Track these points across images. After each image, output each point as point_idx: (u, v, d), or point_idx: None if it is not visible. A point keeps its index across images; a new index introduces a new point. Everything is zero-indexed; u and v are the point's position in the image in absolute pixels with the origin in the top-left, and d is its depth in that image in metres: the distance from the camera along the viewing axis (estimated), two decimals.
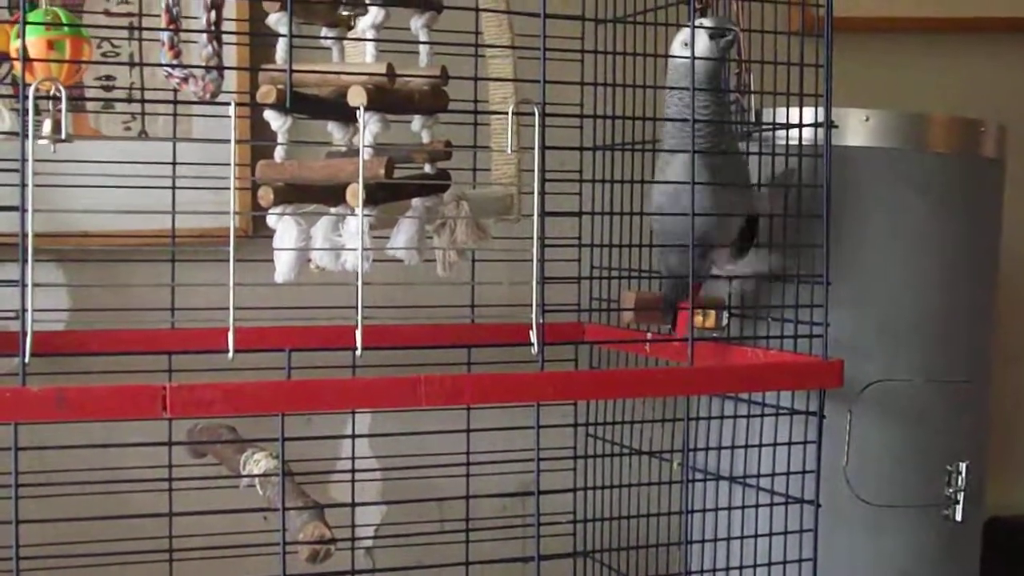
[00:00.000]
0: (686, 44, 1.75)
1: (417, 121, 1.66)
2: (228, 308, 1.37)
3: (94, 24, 2.11)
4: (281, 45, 1.53)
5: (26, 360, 1.32)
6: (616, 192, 2.10)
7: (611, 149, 2.13)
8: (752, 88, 2.02)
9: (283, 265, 1.56)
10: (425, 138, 1.68)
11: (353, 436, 2.19)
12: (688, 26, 1.74)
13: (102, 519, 1.55)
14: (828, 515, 1.81)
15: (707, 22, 1.74)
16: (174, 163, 2.03)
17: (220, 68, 1.53)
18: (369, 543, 2.39)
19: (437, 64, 1.62)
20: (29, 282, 1.31)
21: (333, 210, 1.57)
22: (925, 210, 2.04)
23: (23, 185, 1.31)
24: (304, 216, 1.56)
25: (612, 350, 2.24)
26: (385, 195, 1.59)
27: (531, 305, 1.50)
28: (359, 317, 1.43)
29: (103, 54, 2.21)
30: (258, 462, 1.70)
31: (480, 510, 2.17)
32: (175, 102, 2.05)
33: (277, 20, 1.54)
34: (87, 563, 1.56)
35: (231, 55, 2.07)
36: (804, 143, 1.83)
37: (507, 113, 1.54)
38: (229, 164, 1.40)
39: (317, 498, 1.58)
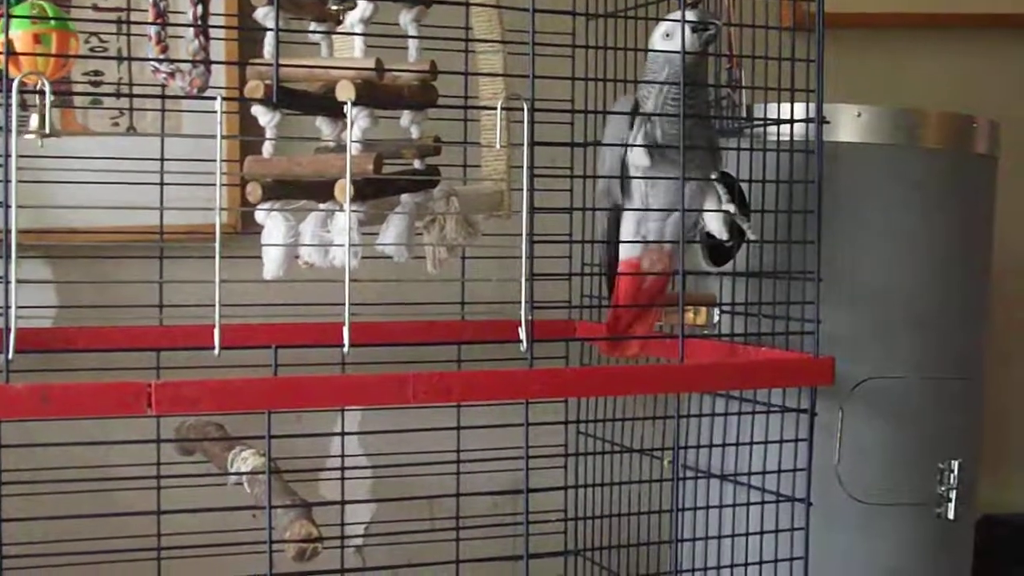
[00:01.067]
0: (667, 35, 1.74)
1: (406, 116, 1.65)
2: (215, 305, 1.36)
3: (82, 18, 2.10)
4: (269, 40, 1.52)
5: (10, 356, 1.30)
6: None
7: (601, 145, 2.12)
8: (743, 83, 2.01)
9: (271, 261, 1.55)
10: (414, 133, 1.67)
11: (343, 434, 2.18)
12: (669, 20, 1.73)
13: (89, 517, 1.54)
14: (820, 513, 1.80)
15: (690, 15, 1.73)
16: (162, 159, 2.02)
17: (207, 63, 1.52)
18: (359, 541, 2.39)
19: (426, 59, 1.61)
20: (12, 278, 1.30)
21: (322, 206, 1.56)
22: (918, 206, 2.03)
23: (7, 181, 1.30)
24: (292, 212, 1.55)
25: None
26: (374, 191, 1.58)
27: (521, 302, 1.49)
28: (347, 314, 1.42)
29: (91, 49, 2.20)
30: (246, 460, 1.69)
31: (471, 508, 2.16)
32: (163, 97, 2.04)
33: (265, 14, 1.53)
34: (74, 562, 1.55)
35: (219, 50, 2.06)
36: (796, 139, 1.82)
37: (497, 108, 1.53)
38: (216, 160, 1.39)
39: (307, 496, 1.58)
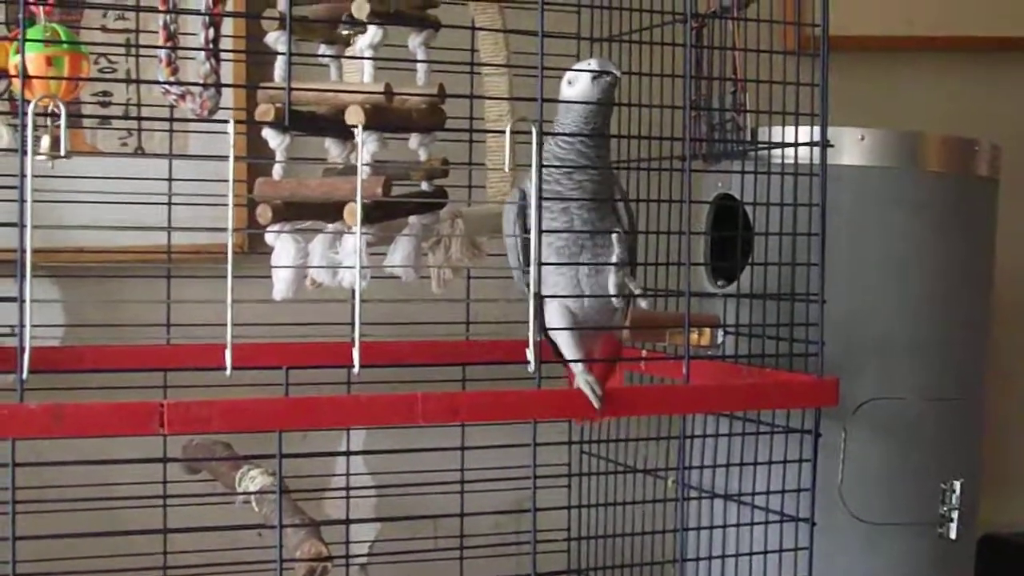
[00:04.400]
0: (570, 83, 1.66)
1: (414, 139, 1.67)
2: (224, 324, 1.37)
3: (91, 41, 2.11)
4: (279, 63, 1.53)
5: (24, 376, 1.31)
6: None
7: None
8: (748, 107, 2.02)
9: (281, 282, 1.56)
10: (422, 156, 1.68)
11: (348, 453, 2.19)
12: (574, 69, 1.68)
13: (97, 535, 1.54)
14: (823, 533, 1.81)
15: (593, 63, 1.66)
16: (170, 179, 2.04)
17: (218, 85, 1.54)
18: (363, 560, 2.39)
19: (434, 82, 1.62)
20: (27, 298, 1.31)
21: (330, 227, 1.57)
22: (919, 228, 2.05)
23: (21, 201, 1.31)
24: (302, 233, 1.57)
25: None
26: (382, 213, 1.60)
27: (527, 322, 1.50)
28: (356, 334, 1.43)
29: (100, 70, 2.21)
30: (254, 479, 1.70)
31: (474, 527, 2.17)
32: (171, 119, 2.05)
33: (276, 38, 1.54)
34: None
35: (229, 72, 2.07)
36: (800, 162, 1.83)
37: (504, 131, 1.55)
38: (225, 181, 1.40)
39: (311, 515, 1.58)
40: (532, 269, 1.51)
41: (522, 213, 1.66)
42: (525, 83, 1.65)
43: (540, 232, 1.51)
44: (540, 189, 1.52)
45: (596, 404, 1.54)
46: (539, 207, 1.51)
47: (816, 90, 1.77)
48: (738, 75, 2.01)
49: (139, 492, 1.94)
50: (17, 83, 1.45)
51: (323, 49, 1.68)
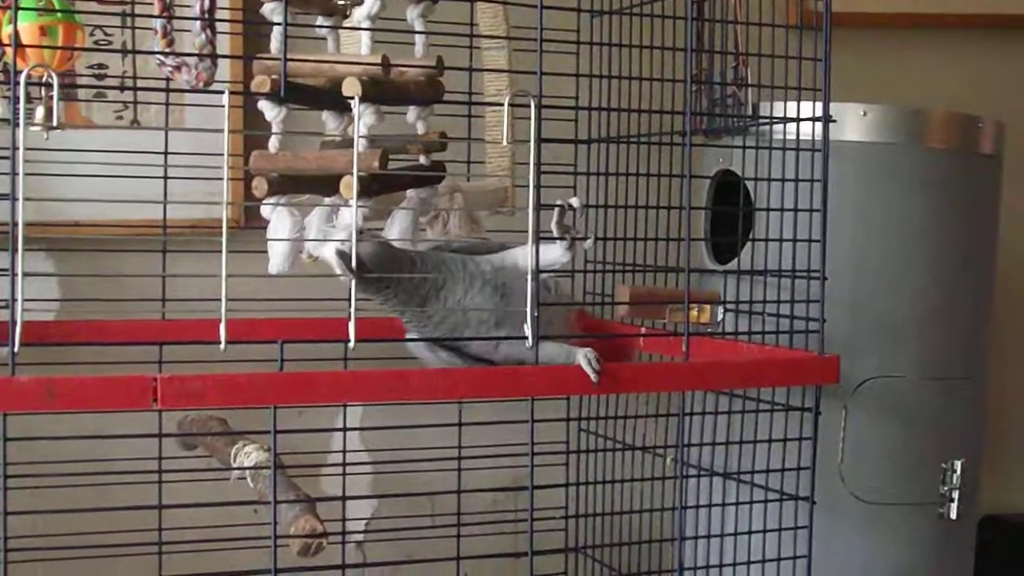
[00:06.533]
0: None
1: (412, 112, 1.65)
2: (219, 299, 1.35)
3: (87, 11, 2.09)
4: (276, 34, 1.52)
5: (16, 350, 1.30)
6: (611, 185, 2.09)
7: (606, 142, 2.12)
8: (749, 81, 2.01)
9: (277, 256, 1.55)
10: (420, 129, 1.67)
11: (344, 429, 2.17)
12: None
13: (91, 511, 1.53)
14: (823, 512, 1.80)
15: None
16: (166, 152, 2.02)
17: (213, 57, 1.52)
18: (360, 537, 2.38)
19: (433, 55, 1.60)
20: (19, 271, 1.30)
21: (327, 201, 1.56)
22: (922, 205, 2.03)
23: (13, 173, 1.30)
24: (298, 207, 1.55)
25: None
26: (379, 186, 1.58)
27: (527, 298, 1.49)
28: (352, 309, 1.42)
29: (96, 42, 2.19)
30: (249, 455, 1.69)
31: (472, 505, 2.16)
32: (168, 91, 2.04)
33: (272, 9, 1.53)
34: (76, 555, 1.55)
35: (225, 44, 2.05)
36: (802, 137, 1.82)
37: (502, 105, 1.53)
38: (221, 154, 1.38)
39: (307, 491, 1.57)
40: (530, 243, 1.49)
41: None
42: (525, 56, 1.63)
43: (539, 207, 1.50)
44: (539, 164, 1.50)
45: (594, 379, 1.53)
46: (538, 182, 1.49)
47: (818, 65, 1.75)
48: (740, 49, 2.00)
49: (134, 468, 1.93)
50: (10, 52, 1.43)
51: (320, 21, 1.67)
